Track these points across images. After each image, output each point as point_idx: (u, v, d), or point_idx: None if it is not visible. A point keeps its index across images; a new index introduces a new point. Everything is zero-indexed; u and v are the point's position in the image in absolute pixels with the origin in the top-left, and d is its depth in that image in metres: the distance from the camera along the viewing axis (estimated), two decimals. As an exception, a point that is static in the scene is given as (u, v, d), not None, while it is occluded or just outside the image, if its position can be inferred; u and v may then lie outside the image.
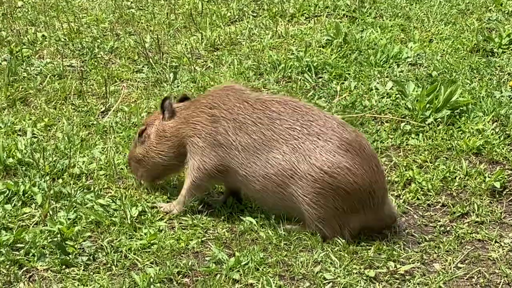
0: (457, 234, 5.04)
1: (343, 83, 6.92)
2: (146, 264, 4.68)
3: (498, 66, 7.20)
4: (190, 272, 4.63)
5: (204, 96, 5.25)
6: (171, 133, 5.23)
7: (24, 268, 4.64)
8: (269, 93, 6.67)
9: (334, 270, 4.63)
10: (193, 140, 5.11)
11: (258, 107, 5.00)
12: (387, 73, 7.07)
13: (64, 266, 4.66)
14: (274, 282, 4.52)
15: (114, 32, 8.16)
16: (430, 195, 5.42)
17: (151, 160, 5.30)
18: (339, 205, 4.79)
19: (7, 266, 4.63)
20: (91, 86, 6.98)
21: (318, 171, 4.78)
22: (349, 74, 7.04)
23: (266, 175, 4.90)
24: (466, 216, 5.25)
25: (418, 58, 7.39)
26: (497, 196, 5.43)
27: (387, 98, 6.61)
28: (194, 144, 5.09)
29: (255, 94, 5.16)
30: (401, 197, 5.41)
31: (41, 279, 4.57)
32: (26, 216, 5.09)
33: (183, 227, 5.05)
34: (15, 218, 5.05)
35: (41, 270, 4.64)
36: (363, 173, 4.79)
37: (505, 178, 5.52)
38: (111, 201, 5.20)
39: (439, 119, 6.20)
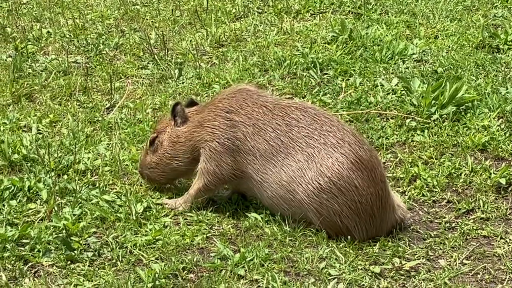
0: (462, 231, 5.03)
1: (348, 79, 6.91)
2: (151, 260, 4.68)
3: (504, 63, 7.18)
4: (195, 268, 4.63)
5: (219, 99, 5.14)
6: (185, 137, 5.17)
7: (30, 264, 4.65)
8: (275, 90, 6.67)
9: (339, 266, 4.63)
10: (211, 145, 5.04)
11: (277, 113, 4.95)
12: (392, 70, 7.05)
13: (69, 262, 4.66)
14: (279, 278, 4.51)
15: (119, 29, 8.16)
16: (436, 192, 5.41)
17: (167, 166, 5.24)
18: (342, 220, 4.80)
19: (13, 262, 4.63)
20: (96, 83, 6.98)
21: (327, 180, 4.77)
22: (354, 70, 7.03)
23: (279, 181, 4.88)
24: (471, 213, 5.24)
25: (424, 54, 7.37)
26: (503, 192, 5.42)
27: (392, 94, 6.60)
28: (212, 149, 5.03)
29: (271, 98, 5.12)
30: (406, 193, 5.41)
31: (46, 275, 4.57)
32: (31, 212, 5.09)
33: (188, 223, 5.05)
34: (20, 214, 5.05)
35: (46, 266, 4.65)
36: (368, 195, 4.78)
37: (511, 174, 5.50)
38: (116, 197, 5.20)
39: (445, 116, 6.19)
